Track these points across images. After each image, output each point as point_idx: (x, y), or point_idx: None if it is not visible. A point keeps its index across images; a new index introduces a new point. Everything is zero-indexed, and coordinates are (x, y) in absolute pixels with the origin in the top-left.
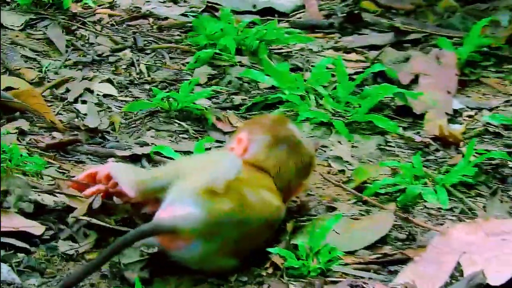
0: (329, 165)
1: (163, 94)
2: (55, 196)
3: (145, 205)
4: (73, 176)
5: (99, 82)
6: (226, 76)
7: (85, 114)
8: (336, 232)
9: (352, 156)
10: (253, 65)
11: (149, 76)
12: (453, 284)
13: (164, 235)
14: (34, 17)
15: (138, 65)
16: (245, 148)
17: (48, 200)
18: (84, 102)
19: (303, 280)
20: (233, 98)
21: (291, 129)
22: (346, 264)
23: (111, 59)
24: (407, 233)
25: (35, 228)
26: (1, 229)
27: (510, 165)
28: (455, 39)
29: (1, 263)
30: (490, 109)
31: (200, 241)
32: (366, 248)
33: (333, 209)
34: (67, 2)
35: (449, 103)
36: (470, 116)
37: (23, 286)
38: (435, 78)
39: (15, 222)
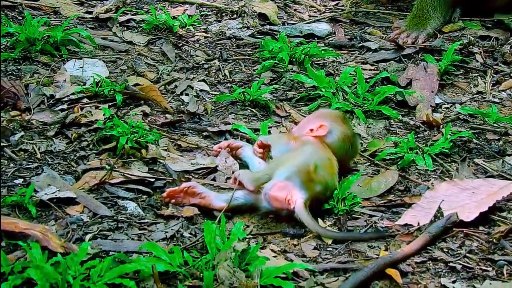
0: None
1: (240, 90)
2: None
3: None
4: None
5: (197, 81)
6: (282, 78)
7: (188, 103)
8: (359, 185)
9: (367, 134)
10: (300, 71)
11: (230, 77)
12: (436, 222)
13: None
14: (154, 37)
15: (223, 70)
16: (324, 134)
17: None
18: (187, 94)
19: (334, 217)
20: (287, 93)
21: (351, 127)
22: (363, 207)
23: (205, 66)
24: (404, 186)
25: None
26: (131, 178)
27: (474, 141)
28: (436, 55)
29: (130, 201)
30: (461, 103)
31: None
32: (377, 196)
33: (355, 169)
34: (176, 27)
35: (433, 99)
36: (447, 108)
37: (145, 218)
38: (423, 82)
39: (138, 173)
